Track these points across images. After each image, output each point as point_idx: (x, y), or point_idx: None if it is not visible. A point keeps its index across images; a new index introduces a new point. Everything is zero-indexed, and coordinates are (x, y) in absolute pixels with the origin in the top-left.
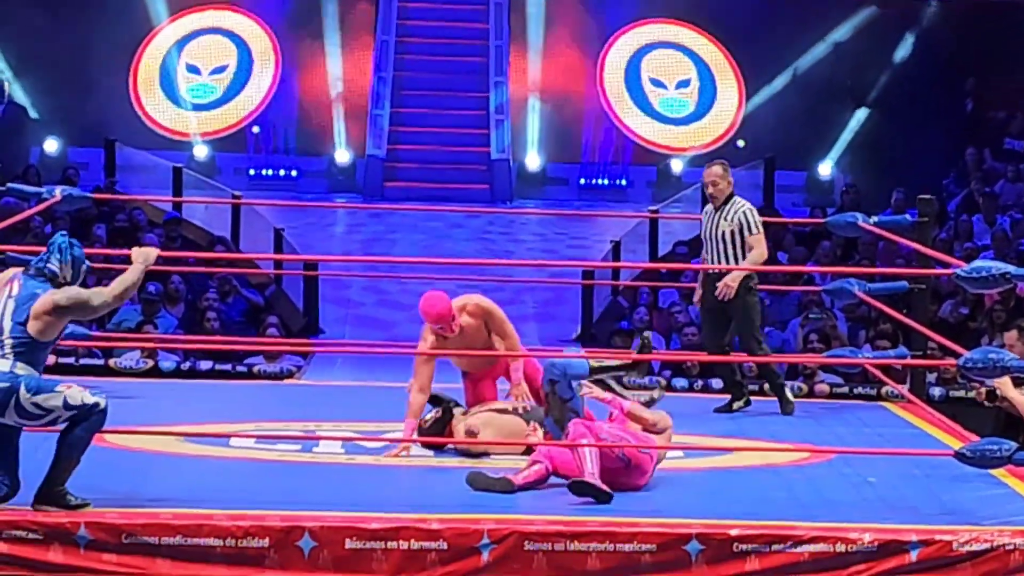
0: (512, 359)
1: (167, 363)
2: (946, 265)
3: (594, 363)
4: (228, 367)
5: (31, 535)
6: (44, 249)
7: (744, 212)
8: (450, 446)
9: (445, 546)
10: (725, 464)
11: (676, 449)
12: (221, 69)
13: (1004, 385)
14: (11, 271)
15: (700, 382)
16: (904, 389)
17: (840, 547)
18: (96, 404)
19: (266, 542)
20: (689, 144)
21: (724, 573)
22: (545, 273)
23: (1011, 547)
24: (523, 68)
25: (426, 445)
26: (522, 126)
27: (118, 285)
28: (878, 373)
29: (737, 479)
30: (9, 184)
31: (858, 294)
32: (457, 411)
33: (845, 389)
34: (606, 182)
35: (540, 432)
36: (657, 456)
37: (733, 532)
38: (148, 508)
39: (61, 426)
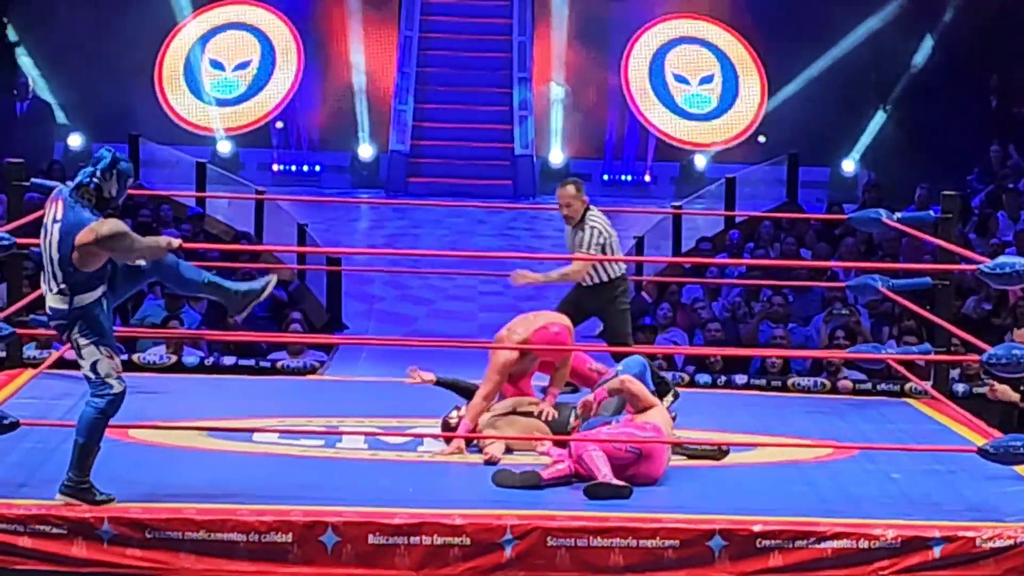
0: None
1: (191, 358)
2: (970, 261)
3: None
4: (251, 362)
5: (55, 530)
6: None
7: (590, 229)
8: (475, 443)
9: (468, 541)
10: (748, 460)
11: (697, 444)
12: (244, 65)
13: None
14: (56, 188)
15: (723, 377)
16: (927, 385)
17: (863, 543)
18: (112, 387)
19: (289, 537)
20: (712, 140)
21: (747, 569)
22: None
23: None
24: (547, 64)
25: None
26: (545, 122)
27: (147, 239)
28: (901, 369)
29: (760, 475)
30: (33, 179)
31: (882, 290)
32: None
33: (868, 385)
34: (629, 178)
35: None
36: (667, 448)
37: (756, 528)
38: (171, 503)
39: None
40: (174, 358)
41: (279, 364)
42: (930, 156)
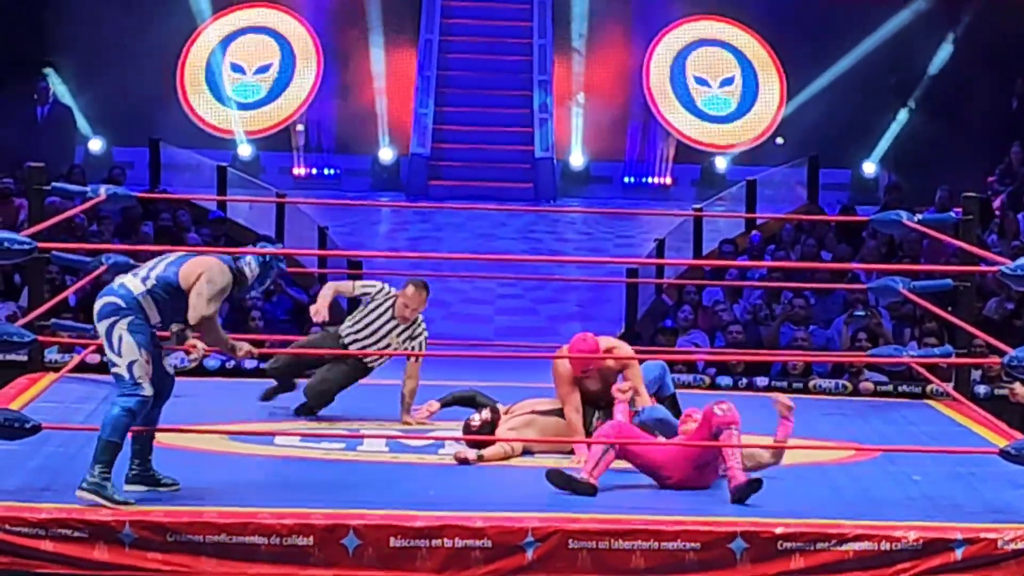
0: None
1: (212, 362)
2: (991, 263)
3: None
4: None
5: (76, 533)
6: (89, 248)
7: (423, 332)
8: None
9: (489, 544)
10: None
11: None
12: (265, 68)
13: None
14: None
15: (744, 380)
16: (949, 387)
17: (885, 545)
18: (143, 389)
19: (311, 540)
20: (731, 142)
21: (769, 571)
22: (588, 272)
23: None
24: (567, 67)
25: (472, 444)
26: (566, 124)
27: (212, 326)
28: (923, 371)
29: (782, 477)
30: (53, 184)
31: (903, 292)
32: (500, 408)
33: (890, 387)
34: (650, 180)
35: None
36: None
37: (778, 530)
38: (193, 506)
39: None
40: (195, 361)
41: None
42: (951, 158)
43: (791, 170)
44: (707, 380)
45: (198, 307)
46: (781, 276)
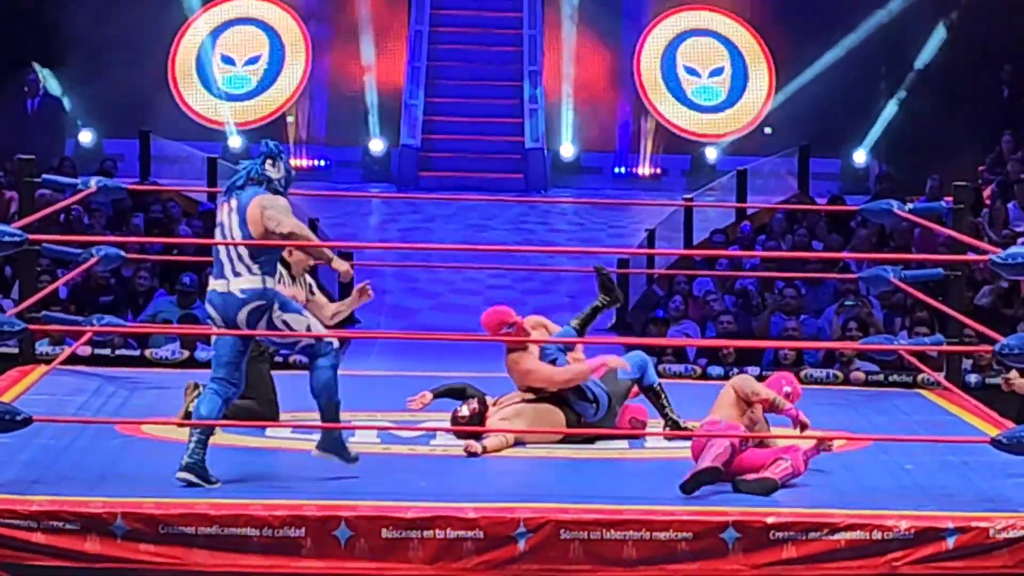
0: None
1: (203, 353)
2: (982, 252)
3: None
4: None
5: (68, 525)
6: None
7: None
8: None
9: (481, 535)
10: None
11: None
12: (254, 60)
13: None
14: (224, 195)
15: (735, 370)
16: (940, 376)
17: (877, 534)
18: (333, 342)
19: (303, 531)
20: (720, 132)
21: (761, 561)
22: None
23: None
24: (557, 57)
25: (461, 435)
26: (556, 115)
27: (306, 236)
28: (914, 360)
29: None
30: (44, 176)
31: (894, 281)
32: (488, 400)
33: (881, 377)
34: (640, 170)
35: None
36: None
37: (770, 520)
38: (185, 498)
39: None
40: (186, 353)
41: (291, 359)
42: (941, 147)
43: (782, 160)
44: (698, 370)
45: (283, 225)
46: (772, 266)
